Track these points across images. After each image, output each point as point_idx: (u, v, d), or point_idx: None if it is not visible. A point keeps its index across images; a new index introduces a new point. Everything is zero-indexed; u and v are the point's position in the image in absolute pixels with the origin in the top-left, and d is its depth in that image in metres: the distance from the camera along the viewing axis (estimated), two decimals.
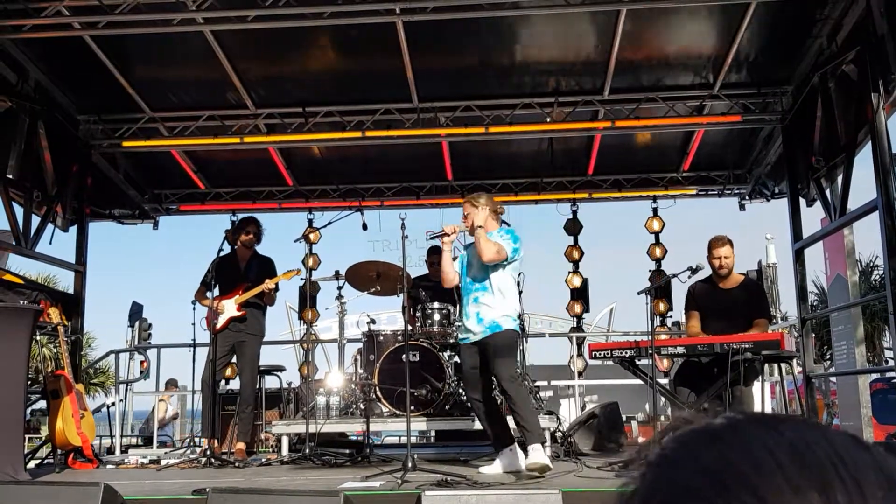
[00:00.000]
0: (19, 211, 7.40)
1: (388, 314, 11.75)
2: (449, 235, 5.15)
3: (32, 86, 7.43)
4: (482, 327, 4.99)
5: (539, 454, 4.66)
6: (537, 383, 7.23)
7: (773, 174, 9.23)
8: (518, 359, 5.53)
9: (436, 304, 6.68)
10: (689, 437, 0.54)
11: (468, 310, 5.11)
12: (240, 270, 6.69)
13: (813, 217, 8.14)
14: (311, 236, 9.23)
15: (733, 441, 0.51)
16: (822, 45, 6.98)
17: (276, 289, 6.62)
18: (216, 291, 6.57)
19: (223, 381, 7.44)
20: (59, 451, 6.23)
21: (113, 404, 8.76)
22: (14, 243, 7.35)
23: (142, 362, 9.65)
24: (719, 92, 7.91)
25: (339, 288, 6.89)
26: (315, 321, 10.13)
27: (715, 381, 5.17)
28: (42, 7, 6.32)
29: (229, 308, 6.52)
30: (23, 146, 7.20)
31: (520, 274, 6.96)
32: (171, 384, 11.37)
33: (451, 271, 5.20)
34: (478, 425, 6.22)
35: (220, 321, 6.50)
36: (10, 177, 7.11)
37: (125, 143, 8.46)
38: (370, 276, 6.89)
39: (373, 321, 6.95)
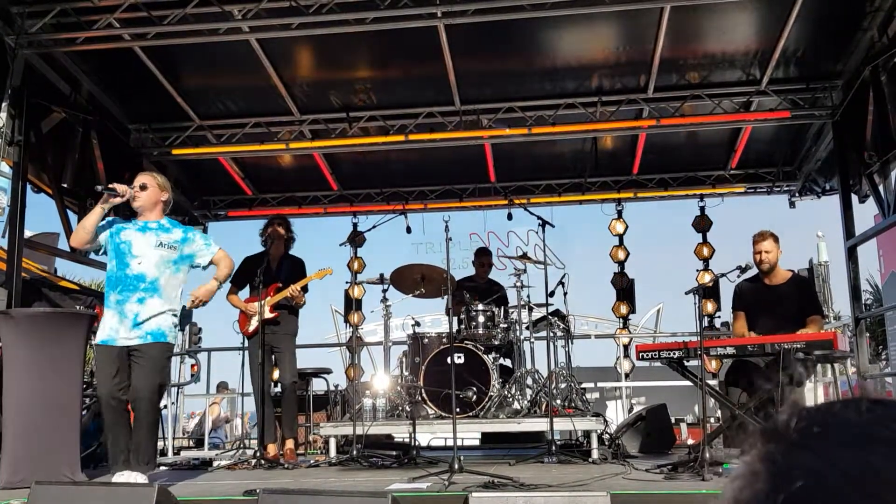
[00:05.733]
0: (73, 218, 7.61)
1: (433, 317, 11.80)
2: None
3: (85, 97, 7.64)
4: None
5: None
6: (583, 385, 7.17)
7: (824, 170, 9.04)
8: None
9: (480, 306, 6.68)
10: (824, 429, 0.51)
11: None
12: (271, 270, 6.43)
13: (866, 214, 7.96)
14: (356, 240, 9.30)
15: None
16: (873, 37, 6.83)
17: (305, 290, 6.42)
18: (246, 292, 6.46)
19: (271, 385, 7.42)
20: None
21: (165, 407, 8.93)
22: (59, 246, 7.56)
23: (192, 366, 9.83)
24: (767, 87, 7.78)
25: (384, 291, 6.93)
26: (360, 324, 10.21)
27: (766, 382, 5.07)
28: (93, 20, 6.50)
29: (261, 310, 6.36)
30: (77, 156, 7.40)
31: (564, 275, 6.96)
32: (222, 387, 11.55)
33: None
34: (523, 427, 6.22)
35: (253, 324, 6.31)
36: (66, 185, 7.31)
37: (174, 151, 8.65)
38: (414, 279, 6.92)
39: (417, 324, 6.97)
